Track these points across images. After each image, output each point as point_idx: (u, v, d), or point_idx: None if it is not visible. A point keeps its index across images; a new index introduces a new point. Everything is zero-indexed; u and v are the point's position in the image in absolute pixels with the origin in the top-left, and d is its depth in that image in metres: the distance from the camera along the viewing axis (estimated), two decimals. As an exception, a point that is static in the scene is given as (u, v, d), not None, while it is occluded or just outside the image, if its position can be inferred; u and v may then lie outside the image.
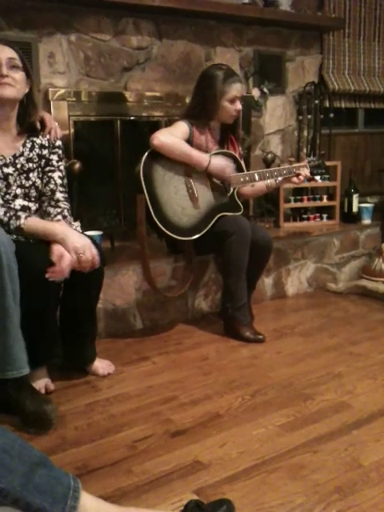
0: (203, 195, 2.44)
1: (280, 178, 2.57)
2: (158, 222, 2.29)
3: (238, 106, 2.44)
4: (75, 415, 1.79)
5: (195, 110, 2.43)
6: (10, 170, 1.87)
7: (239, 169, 2.55)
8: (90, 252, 1.79)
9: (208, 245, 2.46)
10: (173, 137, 2.32)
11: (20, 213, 1.79)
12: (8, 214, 1.77)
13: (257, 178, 2.51)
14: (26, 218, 1.77)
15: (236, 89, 2.41)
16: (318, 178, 3.21)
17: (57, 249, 1.73)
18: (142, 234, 2.35)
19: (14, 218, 1.76)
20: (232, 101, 2.40)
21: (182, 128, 2.39)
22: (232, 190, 2.51)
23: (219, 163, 2.42)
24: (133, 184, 2.34)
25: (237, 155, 2.56)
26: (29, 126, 1.91)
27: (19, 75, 1.80)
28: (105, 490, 1.39)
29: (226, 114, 2.44)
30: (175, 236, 2.34)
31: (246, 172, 2.54)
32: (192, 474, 1.47)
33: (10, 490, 0.99)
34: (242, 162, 2.60)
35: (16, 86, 1.79)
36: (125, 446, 1.61)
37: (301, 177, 2.54)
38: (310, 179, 3.15)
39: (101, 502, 1.13)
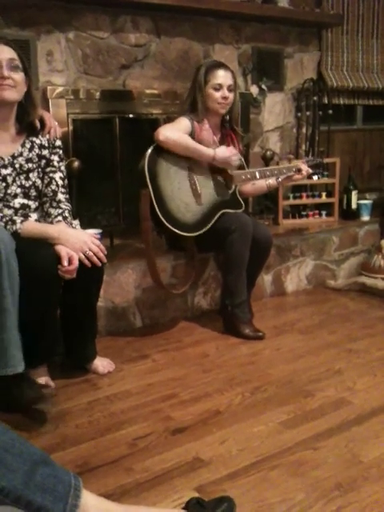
0: (206, 192, 2.44)
1: (281, 178, 2.58)
2: (162, 217, 2.29)
3: (225, 93, 2.43)
4: (76, 413, 1.79)
5: (189, 104, 2.47)
6: (8, 170, 1.86)
7: (240, 166, 2.55)
8: (94, 246, 1.80)
9: (210, 242, 2.47)
10: (177, 132, 2.33)
11: (15, 217, 1.79)
12: (4, 219, 1.76)
13: (258, 175, 2.52)
14: (22, 222, 1.77)
15: (219, 76, 2.42)
16: (315, 177, 3.22)
17: (64, 250, 1.73)
18: (147, 230, 2.34)
19: (10, 223, 1.76)
20: (217, 88, 2.42)
21: (183, 123, 2.39)
22: (234, 187, 2.52)
23: (224, 153, 2.42)
24: (132, 182, 2.35)
25: (237, 152, 2.56)
26: (28, 125, 1.90)
27: (19, 76, 1.79)
28: (106, 488, 1.39)
29: (213, 101, 2.44)
30: (179, 231, 2.34)
31: (247, 170, 2.55)
32: (192, 471, 1.47)
33: (11, 488, 0.99)
34: (242, 159, 2.60)
35: (17, 87, 1.79)
36: (125, 443, 1.61)
37: (303, 172, 2.55)
38: (308, 177, 3.17)
39: (102, 500, 1.13)
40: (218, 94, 2.42)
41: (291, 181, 2.64)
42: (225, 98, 2.43)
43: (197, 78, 2.44)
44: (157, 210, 2.28)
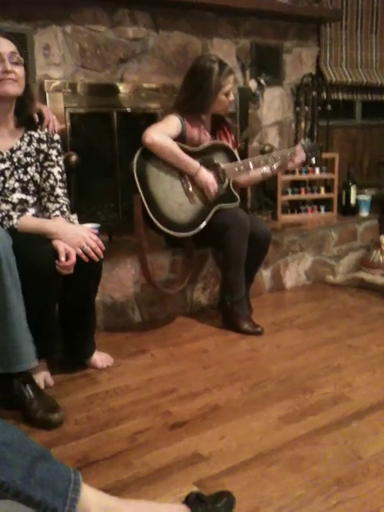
0: (199, 189, 2.42)
1: (275, 166, 2.56)
2: (156, 222, 2.27)
3: (232, 97, 2.44)
4: (75, 408, 1.78)
5: (188, 103, 2.40)
6: (6, 164, 1.85)
7: (233, 158, 2.53)
8: (91, 241, 1.79)
9: (207, 238, 2.45)
10: (165, 136, 2.28)
11: (12, 213, 1.78)
12: (1, 215, 1.76)
13: (251, 166, 2.49)
14: (18, 217, 1.76)
15: (231, 81, 2.41)
16: (313, 160, 3.17)
17: (61, 246, 1.73)
18: (140, 234, 2.33)
19: (6, 218, 1.75)
20: (227, 94, 2.41)
21: (173, 123, 2.36)
22: (227, 181, 2.50)
23: (206, 178, 2.37)
24: (130, 177, 2.32)
25: (230, 145, 2.54)
26: (26, 119, 1.89)
27: (21, 70, 1.78)
28: (105, 483, 1.39)
29: (222, 106, 2.44)
30: (174, 233, 2.32)
31: (239, 161, 2.52)
32: (192, 466, 1.47)
33: (11, 483, 0.99)
34: (236, 152, 2.58)
35: (19, 81, 1.78)
36: (125, 438, 1.61)
37: (295, 160, 2.52)
38: (305, 164, 3.13)
39: (101, 495, 1.13)
40: (228, 100, 2.42)
41: (285, 168, 2.62)
42: (232, 101, 2.46)
43: (208, 82, 2.35)
44: (150, 214, 2.26)
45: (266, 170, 2.57)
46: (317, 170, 3.30)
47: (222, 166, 2.46)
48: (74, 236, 1.77)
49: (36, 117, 1.91)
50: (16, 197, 1.88)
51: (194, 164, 2.35)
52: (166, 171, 2.34)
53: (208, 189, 2.37)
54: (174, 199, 2.36)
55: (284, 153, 2.56)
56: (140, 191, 2.26)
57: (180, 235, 2.35)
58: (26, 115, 1.88)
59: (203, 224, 2.39)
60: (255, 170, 2.54)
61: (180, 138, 2.36)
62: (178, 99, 2.50)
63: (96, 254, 1.81)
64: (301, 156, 2.54)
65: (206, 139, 2.49)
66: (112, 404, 1.81)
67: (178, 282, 2.58)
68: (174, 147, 2.30)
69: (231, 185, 2.52)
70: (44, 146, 1.93)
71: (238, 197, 2.53)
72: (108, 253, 1.96)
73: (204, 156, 2.44)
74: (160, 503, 1.30)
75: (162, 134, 2.28)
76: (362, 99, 3.97)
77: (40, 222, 1.83)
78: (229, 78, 2.40)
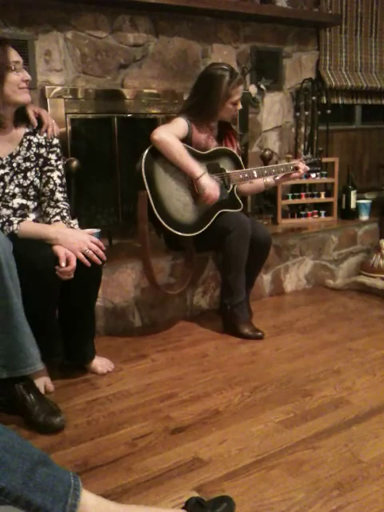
0: None
1: (278, 176, 2.58)
2: (160, 218, 2.28)
3: (239, 106, 2.47)
4: (75, 413, 1.79)
5: (196, 109, 2.41)
6: (6, 170, 1.86)
7: (238, 165, 2.55)
8: (93, 244, 1.80)
9: (208, 241, 2.46)
10: (173, 137, 2.30)
11: (13, 218, 1.79)
12: (1, 221, 1.76)
13: (255, 174, 2.52)
14: (19, 223, 1.77)
15: (240, 91, 2.43)
16: (313, 175, 3.22)
17: (62, 251, 1.73)
18: (144, 231, 2.34)
19: (7, 224, 1.76)
20: (235, 103, 2.42)
21: (181, 124, 2.38)
22: (232, 186, 2.51)
23: (208, 184, 2.32)
24: (130, 181, 2.34)
25: (235, 151, 2.56)
26: (22, 116, 1.90)
27: None
28: (105, 488, 1.39)
29: (228, 114, 2.47)
30: (177, 232, 2.33)
31: (244, 169, 2.54)
32: (192, 470, 1.47)
33: (11, 488, 0.99)
34: (240, 158, 2.60)
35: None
36: (125, 443, 1.61)
37: (300, 170, 2.55)
38: (307, 175, 3.17)
39: (101, 500, 1.13)
40: (235, 108, 2.44)
41: (289, 179, 2.64)
42: (238, 110, 2.48)
43: (217, 90, 2.36)
44: (155, 211, 2.27)
45: (269, 179, 2.61)
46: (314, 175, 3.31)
47: (228, 171, 2.48)
48: (75, 241, 1.78)
49: (33, 117, 1.92)
50: (16, 202, 1.89)
51: (197, 168, 2.33)
52: (172, 170, 2.35)
53: (206, 196, 2.33)
54: (179, 198, 2.36)
55: (287, 165, 2.59)
56: (147, 188, 2.27)
57: (181, 235, 2.36)
58: (21, 114, 1.90)
59: (205, 227, 2.40)
60: (258, 179, 2.57)
61: (186, 141, 2.38)
62: (186, 103, 2.54)
63: (98, 256, 1.81)
64: (304, 167, 2.59)
65: (212, 145, 2.50)
66: (112, 409, 1.81)
67: (179, 284, 2.58)
68: (181, 148, 2.30)
69: (235, 191, 2.53)
70: (43, 151, 1.94)
71: (241, 203, 2.55)
72: (108, 257, 1.96)
73: (210, 160, 2.46)
74: (160, 508, 1.30)
75: (171, 133, 2.30)
76: (362, 103, 3.98)
77: (41, 227, 1.84)
78: (238, 88, 2.40)
